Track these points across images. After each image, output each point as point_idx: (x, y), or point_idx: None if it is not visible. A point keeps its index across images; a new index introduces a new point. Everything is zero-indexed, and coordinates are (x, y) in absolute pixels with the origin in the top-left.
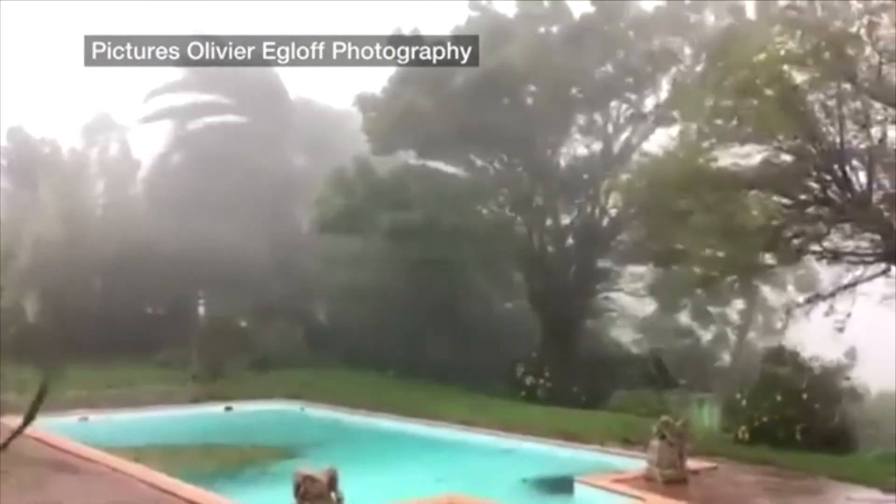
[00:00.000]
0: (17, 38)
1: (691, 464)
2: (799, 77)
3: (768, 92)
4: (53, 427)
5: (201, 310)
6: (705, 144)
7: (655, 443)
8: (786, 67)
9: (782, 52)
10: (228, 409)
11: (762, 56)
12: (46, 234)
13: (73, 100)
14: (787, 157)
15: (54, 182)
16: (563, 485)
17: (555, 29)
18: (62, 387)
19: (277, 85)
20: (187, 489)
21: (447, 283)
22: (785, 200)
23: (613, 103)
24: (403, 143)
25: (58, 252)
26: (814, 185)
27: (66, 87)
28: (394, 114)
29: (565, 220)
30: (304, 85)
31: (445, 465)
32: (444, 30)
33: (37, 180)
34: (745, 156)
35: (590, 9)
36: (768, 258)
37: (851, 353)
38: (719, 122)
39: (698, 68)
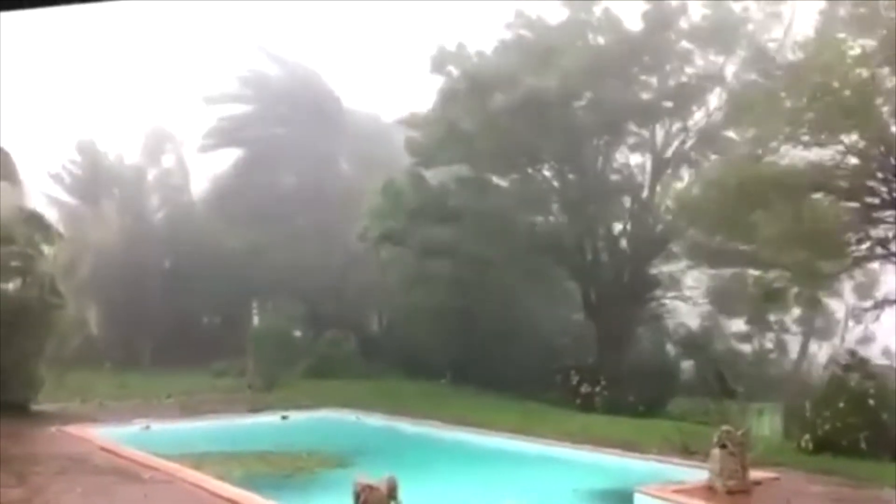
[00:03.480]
0: (69, 51)
1: (754, 474)
2: (867, 76)
3: (837, 93)
4: (118, 436)
5: (255, 319)
6: (772, 144)
7: (716, 452)
8: (855, 68)
9: (852, 53)
10: (284, 417)
11: (831, 56)
12: (107, 246)
13: (131, 113)
14: (853, 160)
15: (114, 194)
16: (621, 495)
17: (602, 41)
18: (125, 396)
19: (329, 97)
20: (246, 496)
21: (501, 292)
22: (850, 204)
23: (664, 115)
24: (450, 159)
25: (118, 263)
26: (880, 187)
27: (124, 101)
28: (438, 132)
29: (618, 227)
30: (355, 97)
31: (500, 474)
32: (489, 44)
33: (99, 193)
34: (809, 159)
35: (638, 22)
36: (831, 264)
37: None
38: (785, 125)
39: (753, 76)
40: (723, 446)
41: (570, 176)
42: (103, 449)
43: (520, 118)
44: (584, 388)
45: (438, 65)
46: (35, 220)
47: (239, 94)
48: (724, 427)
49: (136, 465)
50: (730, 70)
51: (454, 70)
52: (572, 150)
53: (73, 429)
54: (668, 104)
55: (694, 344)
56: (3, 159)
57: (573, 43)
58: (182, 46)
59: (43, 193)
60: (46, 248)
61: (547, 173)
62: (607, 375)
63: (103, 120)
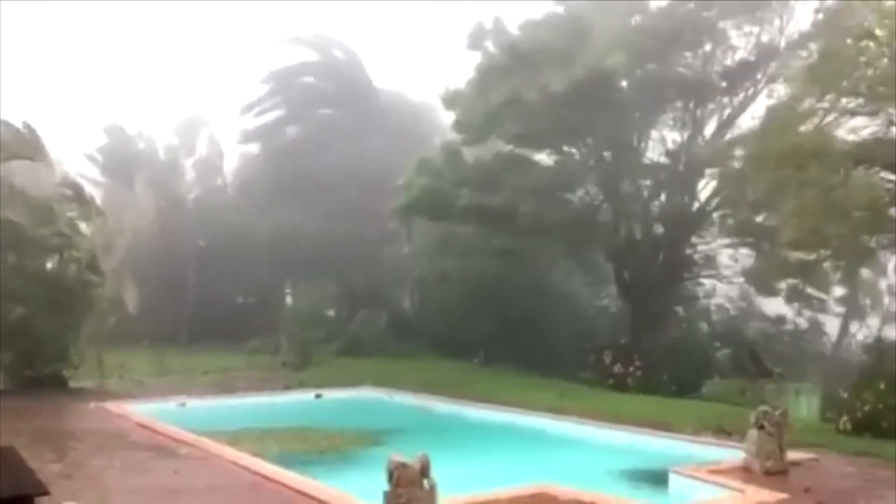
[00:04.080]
0: (111, 37)
1: (791, 455)
2: None
3: (882, 60)
4: (155, 412)
5: (289, 299)
6: (814, 117)
7: (753, 433)
8: None
9: None
10: (318, 395)
11: (876, 24)
12: (142, 226)
13: (164, 96)
14: None
15: (149, 176)
16: (655, 476)
17: (639, 18)
18: (162, 374)
19: (364, 76)
20: (281, 473)
21: (534, 270)
22: (893, 177)
23: (702, 90)
24: (486, 136)
25: (154, 243)
26: None
27: (157, 84)
28: (475, 109)
29: (654, 205)
30: (389, 76)
31: (533, 453)
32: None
33: (133, 174)
34: (853, 130)
35: None
36: (874, 239)
37: None
38: (827, 95)
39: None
40: (760, 427)
41: (606, 153)
42: (140, 425)
43: (556, 94)
44: (618, 368)
45: (476, 41)
46: (74, 198)
47: (270, 76)
48: (762, 407)
49: (173, 441)
50: (770, 41)
51: (491, 46)
52: (609, 127)
53: (111, 405)
54: (708, 79)
55: (729, 323)
56: (36, 141)
57: (609, 19)
58: (217, 30)
59: (78, 174)
60: (85, 227)
61: (583, 150)
62: (641, 355)
63: (140, 102)
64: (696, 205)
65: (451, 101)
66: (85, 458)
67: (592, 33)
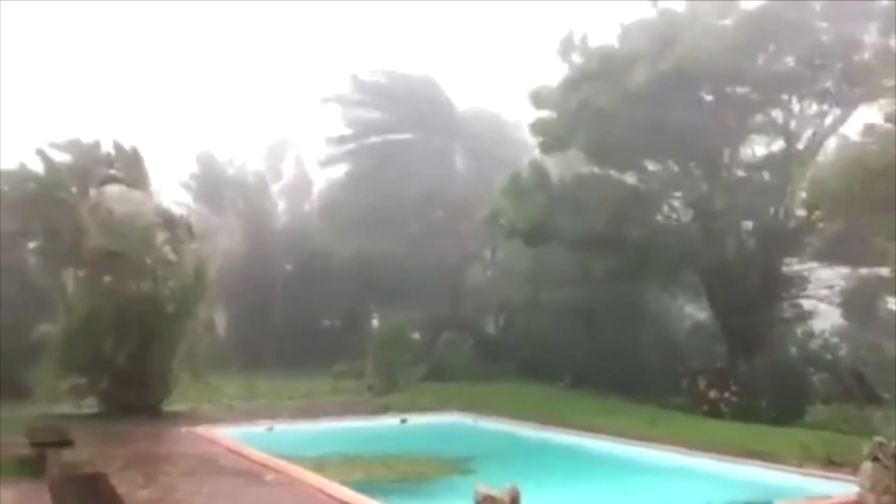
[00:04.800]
0: (198, 66)
1: None
2: None
3: None
4: (243, 436)
5: (374, 322)
6: None
7: (868, 466)
8: None
9: None
10: (403, 420)
11: None
12: (232, 251)
13: (252, 124)
14: None
15: (239, 201)
16: None
17: (729, 22)
18: (250, 398)
19: (444, 98)
20: (365, 501)
21: (622, 292)
22: None
23: (795, 98)
24: (575, 142)
25: (242, 268)
26: None
27: (246, 112)
28: (567, 111)
29: (747, 222)
30: (470, 96)
31: (623, 483)
32: (613, 29)
33: (223, 200)
34: None
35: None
36: None
37: None
38: None
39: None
40: (875, 459)
41: (693, 167)
42: (229, 450)
43: (641, 99)
44: (713, 394)
45: (566, 49)
46: (169, 224)
47: (355, 101)
48: (877, 438)
49: (260, 467)
50: (866, 39)
51: (577, 58)
52: (698, 138)
53: (201, 429)
54: (802, 86)
55: (831, 346)
56: (140, 167)
57: (701, 19)
58: (298, 54)
59: (173, 201)
60: (177, 253)
61: (670, 164)
62: (737, 380)
63: (228, 130)
64: (793, 221)
65: (538, 100)
66: (174, 484)
67: (683, 34)
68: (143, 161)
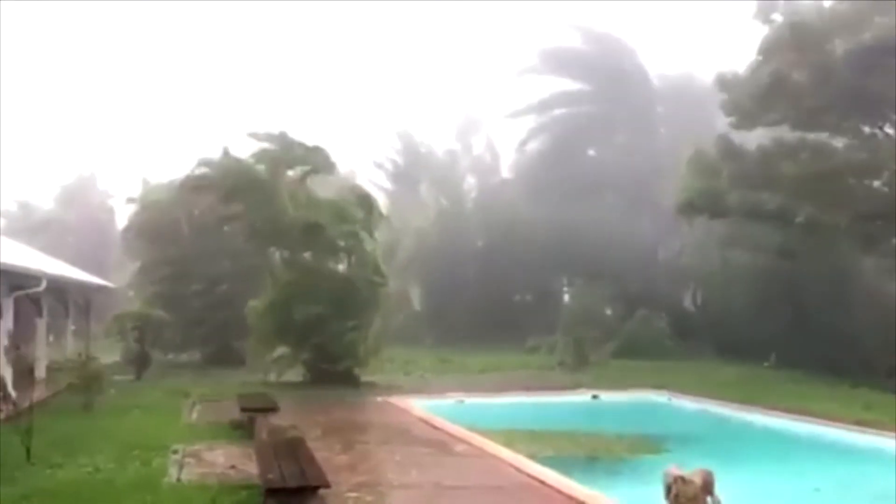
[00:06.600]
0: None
1: None
2: None
3: None
4: (435, 408)
5: (566, 297)
6: None
7: None
8: None
9: None
10: (595, 397)
11: None
12: (425, 228)
13: (443, 99)
14: None
15: (431, 179)
16: None
17: None
18: (443, 370)
19: (637, 68)
20: (554, 477)
21: (832, 265)
22: None
23: None
24: (771, 119)
25: (435, 244)
26: None
27: (437, 89)
28: (759, 90)
29: None
30: (664, 64)
31: (832, 472)
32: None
33: (417, 179)
34: None
35: None
36: None
37: None
38: None
39: None
40: None
41: None
42: (421, 420)
43: (857, 69)
44: None
45: (764, 13)
46: (362, 204)
47: (544, 71)
48: None
49: (450, 438)
50: None
51: (779, 17)
52: None
53: (396, 399)
54: None
55: None
56: (325, 156)
57: None
58: (486, 28)
59: (369, 181)
60: (370, 231)
61: (889, 131)
62: None
63: (420, 109)
64: None
65: (724, 84)
66: (369, 451)
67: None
68: (325, 152)
